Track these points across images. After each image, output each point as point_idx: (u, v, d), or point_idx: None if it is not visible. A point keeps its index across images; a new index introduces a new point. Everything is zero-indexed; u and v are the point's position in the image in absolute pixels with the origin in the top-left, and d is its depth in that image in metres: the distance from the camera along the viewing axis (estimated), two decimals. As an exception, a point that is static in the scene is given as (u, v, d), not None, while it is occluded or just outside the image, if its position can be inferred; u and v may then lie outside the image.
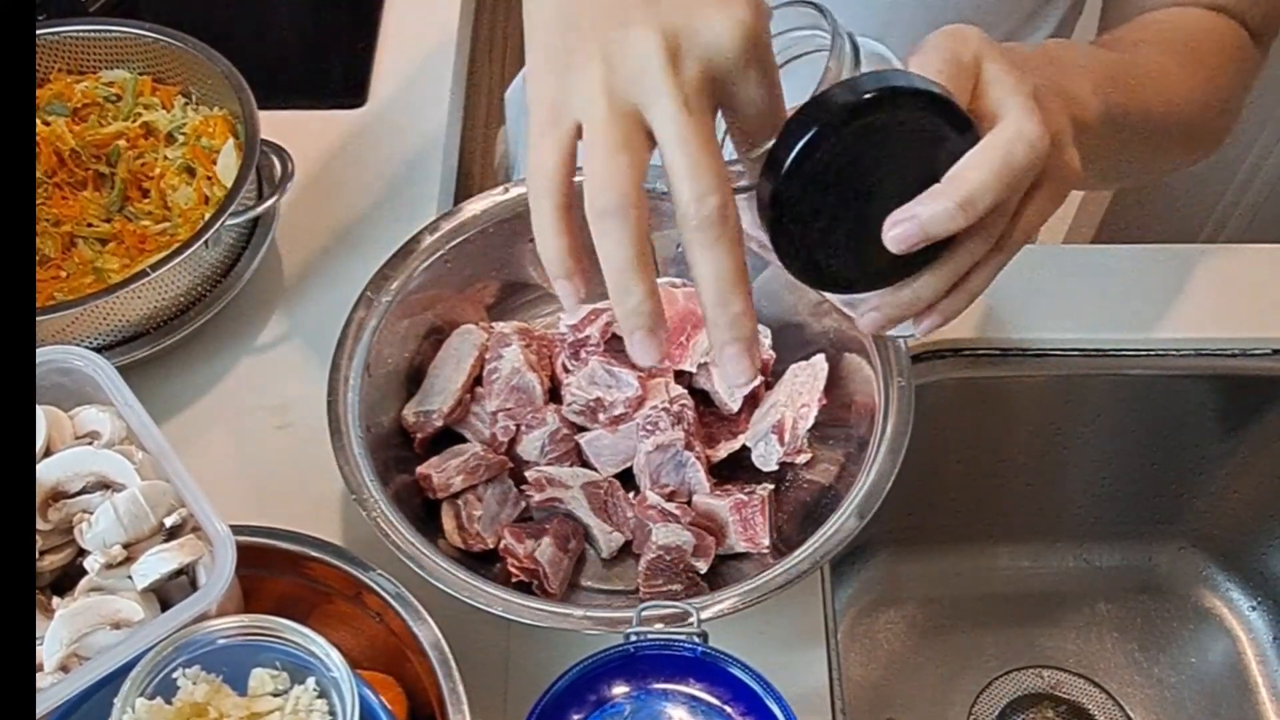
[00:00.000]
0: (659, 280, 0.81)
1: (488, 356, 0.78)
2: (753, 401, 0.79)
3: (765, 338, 0.80)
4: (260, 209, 0.83)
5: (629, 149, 0.48)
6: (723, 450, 0.78)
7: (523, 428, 0.77)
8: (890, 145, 0.49)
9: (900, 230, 0.50)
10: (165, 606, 0.58)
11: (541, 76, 0.50)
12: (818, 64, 0.51)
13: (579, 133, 0.49)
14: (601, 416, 0.76)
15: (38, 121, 0.86)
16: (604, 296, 0.49)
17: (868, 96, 0.47)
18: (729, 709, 0.60)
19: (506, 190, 0.81)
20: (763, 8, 0.49)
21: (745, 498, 0.74)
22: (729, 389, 0.78)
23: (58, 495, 0.61)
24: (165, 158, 0.87)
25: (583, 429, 0.78)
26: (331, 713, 0.55)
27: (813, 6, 0.50)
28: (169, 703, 0.54)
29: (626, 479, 0.77)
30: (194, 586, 0.59)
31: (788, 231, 0.50)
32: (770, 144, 0.49)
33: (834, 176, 0.49)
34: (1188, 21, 0.74)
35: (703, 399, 0.79)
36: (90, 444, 0.62)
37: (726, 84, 0.49)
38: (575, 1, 0.49)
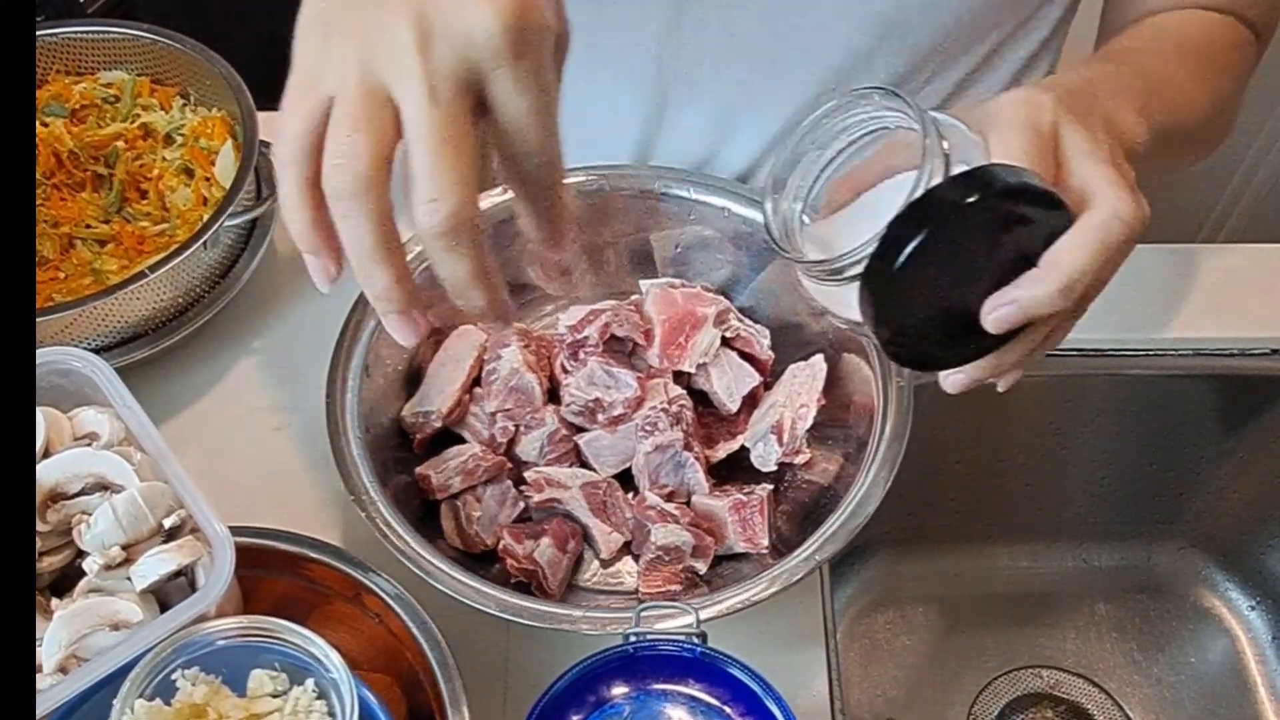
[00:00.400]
0: (657, 281, 0.81)
1: (486, 357, 0.78)
2: (751, 402, 0.79)
3: (764, 338, 0.80)
4: (259, 210, 0.83)
5: (371, 129, 0.45)
6: (721, 451, 0.78)
7: (522, 428, 0.77)
8: (990, 235, 0.51)
9: (1001, 314, 0.51)
10: (164, 608, 0.58)
11: (303, 42, 0.49)
12: (879, 139, 0.53)
13: (330, 105, 0.47)
14: (600, 417, 0.76)
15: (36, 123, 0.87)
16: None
17: (972, 200, 0.49)
18: (728, 709, 0.60)
19: (505, 191, 0.81)
20: (535, 12, 0.46)
21: (744, 498, 0.74)
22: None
23: (56, 496, 0.61)
24: (164, 159, 0.87)
25: (581, 429, 0.78)
26: (331, 714, 0.55)
27: (897, 97, 0.51)
28: (168, 704, 0.54)
29: (625, 480, 0.77)
30: (193, 588, 0.59)
31: (889, 320, 0.52)
32: (874, 237, 0.50)
33: (937, 270, 0.50)
34: (1192, 26, 0.74)
35: (701, 399, 0.79)
36: (89, 445, 0.62)
37: (482, 81, 0.46)
38: None
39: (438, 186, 0.45)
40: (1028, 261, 0.51)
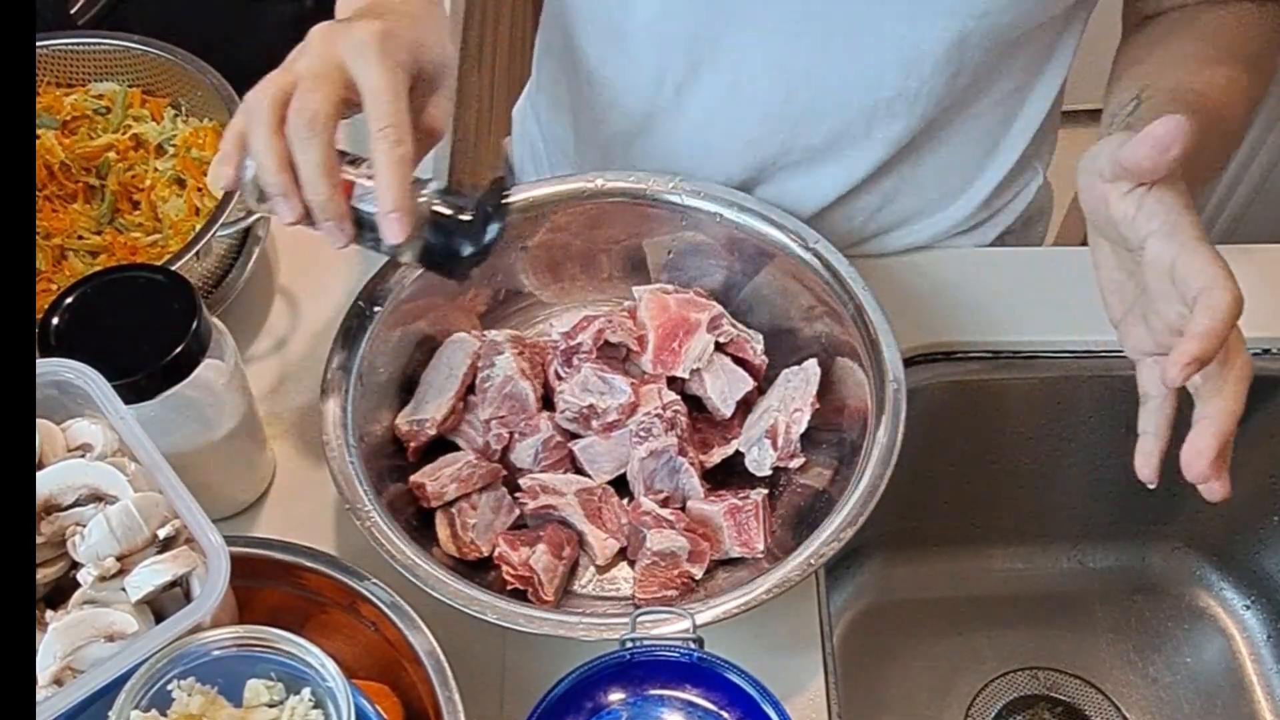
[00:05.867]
0: (649, 287, 0.82)
1: (480, 365, 0.78)
2: (745, 407, 0.80)
3: (757, 343, 0.80)
4: (251, 220, 0.83)
5: (328, 84, 0.61)
6: (716, 455, 0.78)
7: (516, 435, 0.77)
8: None
9: (1188, 371, 0.59)
10: (159, 618, 0.58)
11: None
12: None
13: (297, 80, 0.61)
14: (594, 423, 0.76)
15: (27, 134, 0.86)
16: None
17: None
18: (725, 714, 0.60)
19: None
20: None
21: (739, 503, 0.74)
22: None
23: (50, 508, 0.60)
24: (155, 169, 0.87)
25: (576, 436, 0.78)
26: (327, 723, 0.55)
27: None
28: (164, 715, 0.54)
29: (620, 485, 0.77)
30: (188, 598, 0.59)
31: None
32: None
33: None
34: (1230, 28, 0.75)
35: (695, 405, 0.80)
36: (82, 456, 0.62)
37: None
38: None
39: (390, 118, 0.61)
40: None
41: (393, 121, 0.61)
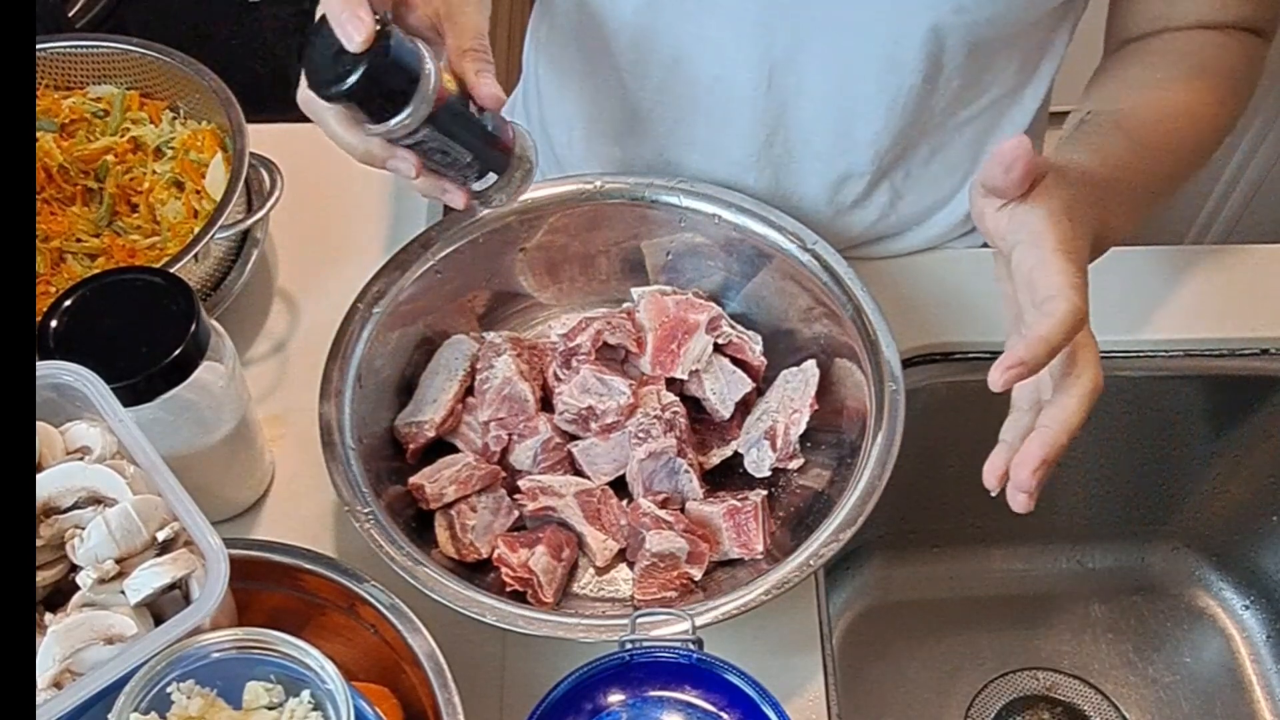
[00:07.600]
0: (648, 288, 0.82)
1: (479, 366, 0.78)
2: (744, 408, 0.80)
3: (756, 344, 0.80)
4: (249, 222, 0.83)
5: None
6: (715, 457, 0.78)
7: (515, 437, 0.77)
8: None
9: (1010, 374, 0.60)
10: (159, 621, 0.58)
11: None
12: None
13: None
14: (593, 425, 0.76)
15: (25, 137, 0.86)
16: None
17: None
18: (725, 715, 0.60)
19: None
20: None
21: (738, 504, 0.74)
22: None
23: (49, 511, 0.60)
24: (154, 172, 0.87)
25: (575, 437, 0.78)
26: (327, 725, 0.55)
27: None
28: (163, 717, 0.54)
29: (619, 487, 0.77)
30: (187, 600, 0.59)
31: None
32: None
33: None
34: (1207, 59, 0.76)
35: (694, 406, 0.80)
36: (81, 459, 0.62)
37: None
38: None
39: None
40: None
41: None
